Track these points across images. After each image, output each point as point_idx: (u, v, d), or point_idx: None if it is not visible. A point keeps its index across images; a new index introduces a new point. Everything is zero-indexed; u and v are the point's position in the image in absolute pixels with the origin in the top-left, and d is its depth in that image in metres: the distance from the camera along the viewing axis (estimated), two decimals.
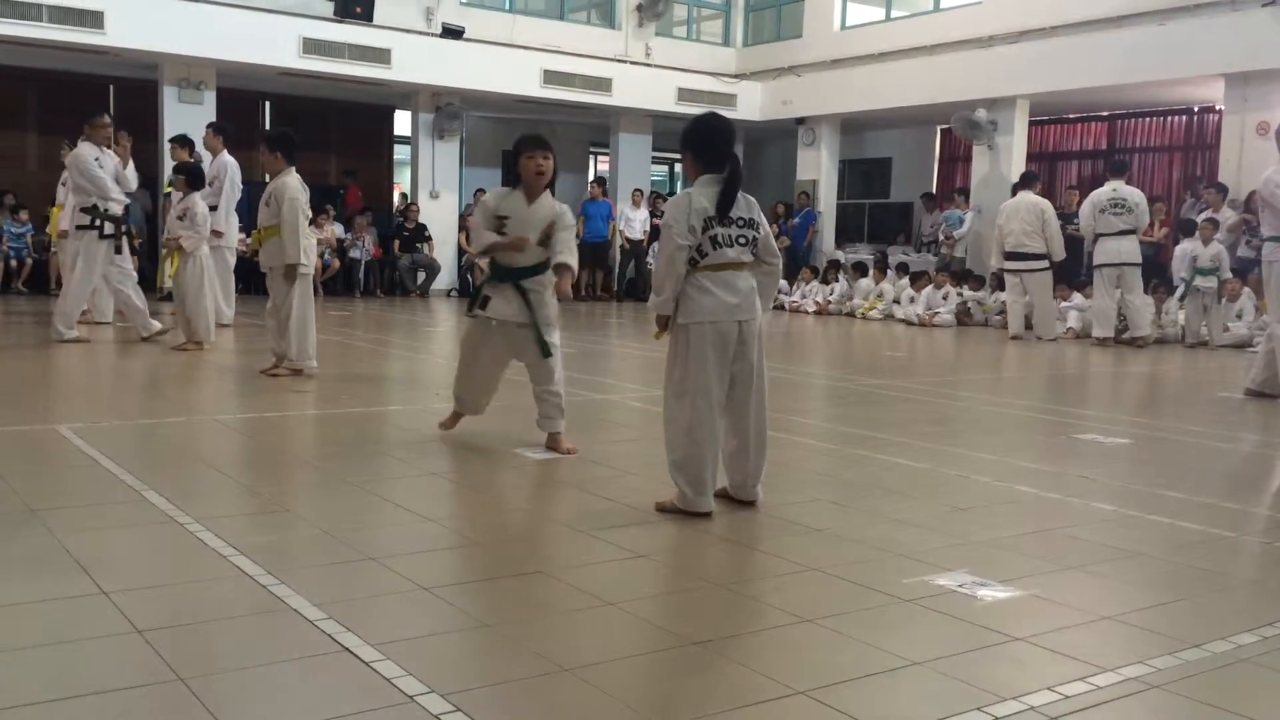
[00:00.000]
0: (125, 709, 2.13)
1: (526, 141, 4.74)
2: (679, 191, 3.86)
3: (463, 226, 16.59)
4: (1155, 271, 12.46)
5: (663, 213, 17.22)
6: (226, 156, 9.79)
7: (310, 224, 7.20)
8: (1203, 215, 11.94)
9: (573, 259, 4.65)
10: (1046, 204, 12.07)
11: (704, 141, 3.78)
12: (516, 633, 2.61)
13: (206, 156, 10.00)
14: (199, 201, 8.30)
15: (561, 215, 4.71)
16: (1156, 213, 12.67)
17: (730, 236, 3.70)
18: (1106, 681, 2.39)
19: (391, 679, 2.28)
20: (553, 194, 4.75)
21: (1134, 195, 11.28)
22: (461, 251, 16.56)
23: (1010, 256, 11.91)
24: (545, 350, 4.70)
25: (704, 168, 3.77)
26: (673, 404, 3.73)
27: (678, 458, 3.70)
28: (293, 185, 6.76)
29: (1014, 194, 12.45)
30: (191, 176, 8.35)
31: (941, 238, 15.27)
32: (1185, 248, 11.50)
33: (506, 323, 4.71)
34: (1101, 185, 11.65)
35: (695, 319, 3.67)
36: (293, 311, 6.79)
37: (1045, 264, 11.83)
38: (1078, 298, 12.53)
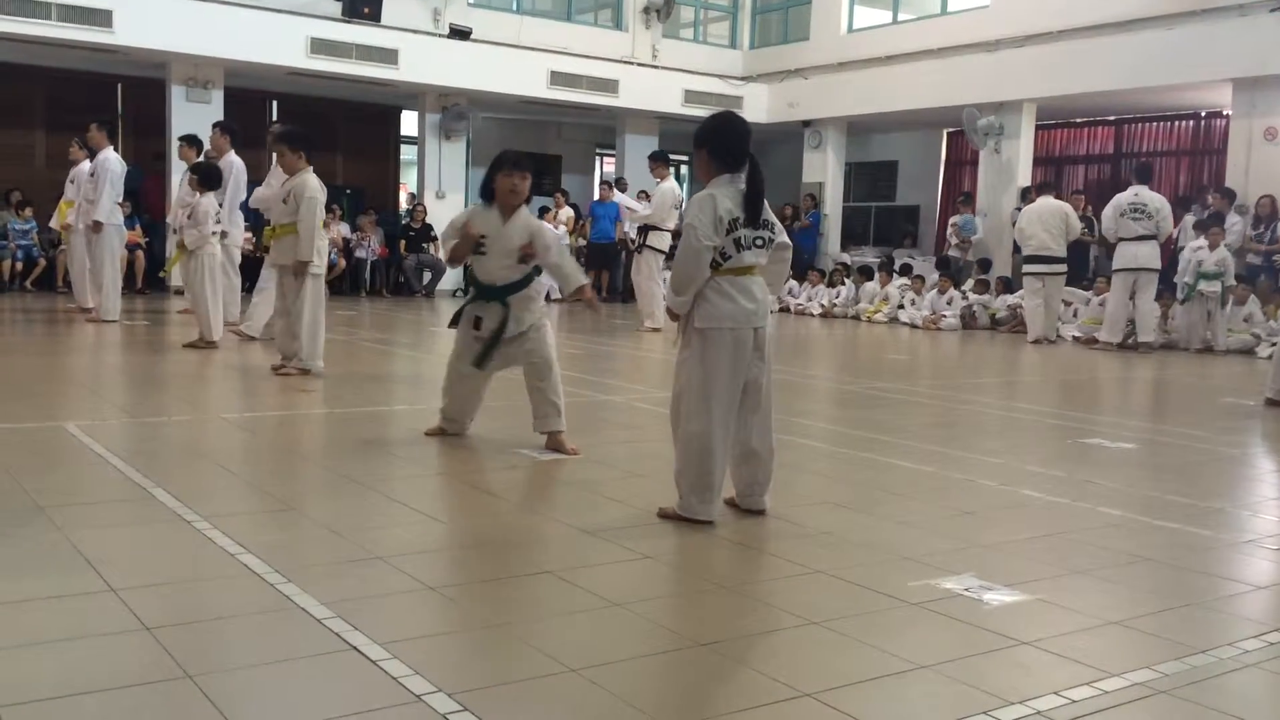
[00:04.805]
0: (133, 706, 2.14)
1: (505, 160, 4.71)
2: (699, 192, 3.76)
3: None
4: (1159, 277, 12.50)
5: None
6: (233, 156, 9.80)
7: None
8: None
9: (583, 276, 4.88)
10: (1069, 207, 12.18)
11: (725, 140, 3.65)
12: (524, 632, 2.62)
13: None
14: (203, 201, 8.30)
15: (538, 234, 4.72)
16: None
17: (752, 239, 3.62)
18: (1113, 686, 2.40)
19: (399, 678, 2.29)
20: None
21: (1155, 200, 11.20)
22: None
23: (1032, 260, 11.95)
24: (547, 367, 4.73)
25: (721, 167, 3.65)
26: (685, 408, 3.62)
27: (686, 464, 3.60)
28: (312, 185, 6.87)
29: (1030, 199, 12.57)
30: (205, 177, 8.36)
31: (956, 241, 15.24)
32: (1189, 253, 11.50)
33: (506, 340, 4.71)
34: (1124, 190, 11.58)
35: (714, 324, 3.58)
36: (304, 313, 6.80)
37: (1064, 267, 11.93)
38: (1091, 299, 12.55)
